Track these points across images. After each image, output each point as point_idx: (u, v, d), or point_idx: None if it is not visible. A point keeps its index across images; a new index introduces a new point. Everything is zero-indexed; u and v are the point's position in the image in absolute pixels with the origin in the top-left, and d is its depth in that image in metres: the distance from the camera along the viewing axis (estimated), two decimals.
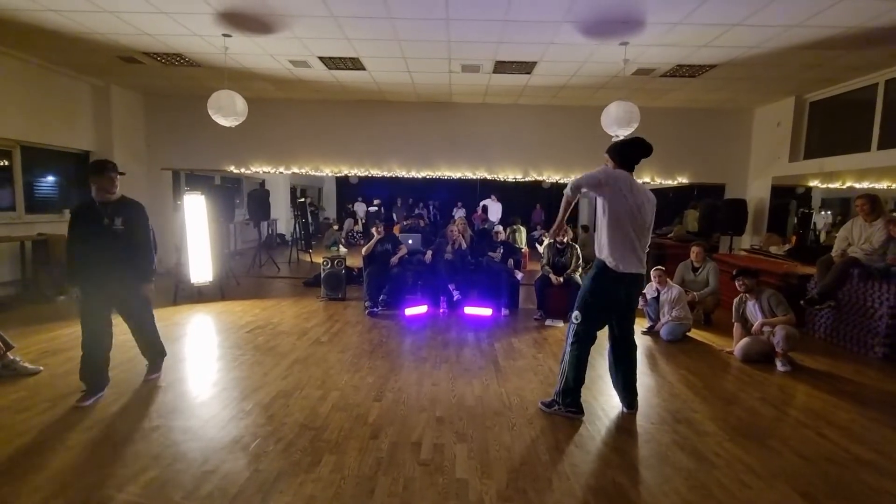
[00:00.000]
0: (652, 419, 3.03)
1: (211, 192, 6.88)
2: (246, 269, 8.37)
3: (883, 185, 5.92)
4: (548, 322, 5.39)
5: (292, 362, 3.90)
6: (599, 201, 2.86)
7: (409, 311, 5.51)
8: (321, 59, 5.46)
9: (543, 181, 7.80)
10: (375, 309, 5.55)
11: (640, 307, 4.16)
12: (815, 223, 7.36)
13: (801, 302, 4.91)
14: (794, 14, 3.96)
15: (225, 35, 4.75)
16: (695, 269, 5.49)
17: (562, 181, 7.46)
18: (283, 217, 12.28)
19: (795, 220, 7.52)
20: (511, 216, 10.12)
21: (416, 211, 12.64)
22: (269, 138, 7.52)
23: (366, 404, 3.13)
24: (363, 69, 5.81)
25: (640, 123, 5.11)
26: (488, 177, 7.66)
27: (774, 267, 5.73)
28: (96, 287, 3.07)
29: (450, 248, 5.96)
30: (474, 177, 7.69)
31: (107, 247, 3.06)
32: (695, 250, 5.50)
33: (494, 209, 10.50)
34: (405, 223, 9.82)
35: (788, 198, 7.53)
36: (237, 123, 5.32)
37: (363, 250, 6.02)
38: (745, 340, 4.26)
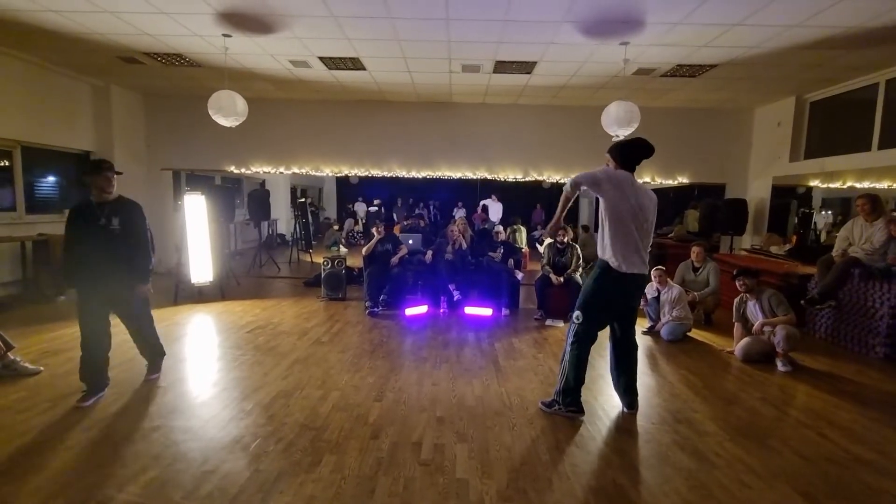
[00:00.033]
0: (652, 419, 3.03)
1: (211, 192, 6.89)
2: (246, 270, 8.37)
3: (884, 184, 5.91)
4: (548, 322, 5.38)
5: (293, 362, 3.90)
6: (602, 202, 2.85)
7: (410, 311, 5.51)
8: (321, 59, 5.46)
9: (543, 181, 7.81)
10: (376, 309, 5.55)
11: (640, 307, 4.17)
12: (815, 223, 7.35)
13: (802, 302, 4.90)
14: (794, 14, 3.96)
15: (225, 35, 4.75)
16: (695, 269, 5.49)
17: (562, 181, 7.45)
18: (283, 217, 12.28)
19: (796, 220, 7.51)
20: (511, 216, 10.13)
21: (417, 211, 12.65)
22: (270, 138, 7.52)
23: (366, 404, 3.13)
24: (363, 69, 5.82)
25: (641, 123, 5.11)
26: (488, 177, 7.67)
27: (775, 267, 5.72)
28: (94, 287, 3.06)
29: (450, 248, 5.96)
30: (474, 177, 7.69)
31: (104, 247, 3.05)
32: (695, 250, 5.50)
33: (495, 209, 10.48)
34: (405, 223, 9.82)
35: (789, 198, 7.52)
36: (237, 123, 5.32)
37: (363, 250, 6.02)
38: (745, 340, 4.26)
